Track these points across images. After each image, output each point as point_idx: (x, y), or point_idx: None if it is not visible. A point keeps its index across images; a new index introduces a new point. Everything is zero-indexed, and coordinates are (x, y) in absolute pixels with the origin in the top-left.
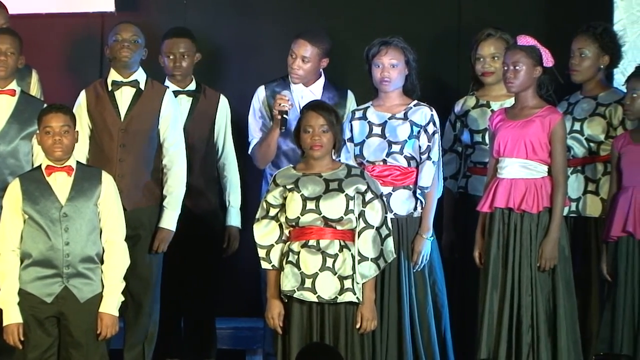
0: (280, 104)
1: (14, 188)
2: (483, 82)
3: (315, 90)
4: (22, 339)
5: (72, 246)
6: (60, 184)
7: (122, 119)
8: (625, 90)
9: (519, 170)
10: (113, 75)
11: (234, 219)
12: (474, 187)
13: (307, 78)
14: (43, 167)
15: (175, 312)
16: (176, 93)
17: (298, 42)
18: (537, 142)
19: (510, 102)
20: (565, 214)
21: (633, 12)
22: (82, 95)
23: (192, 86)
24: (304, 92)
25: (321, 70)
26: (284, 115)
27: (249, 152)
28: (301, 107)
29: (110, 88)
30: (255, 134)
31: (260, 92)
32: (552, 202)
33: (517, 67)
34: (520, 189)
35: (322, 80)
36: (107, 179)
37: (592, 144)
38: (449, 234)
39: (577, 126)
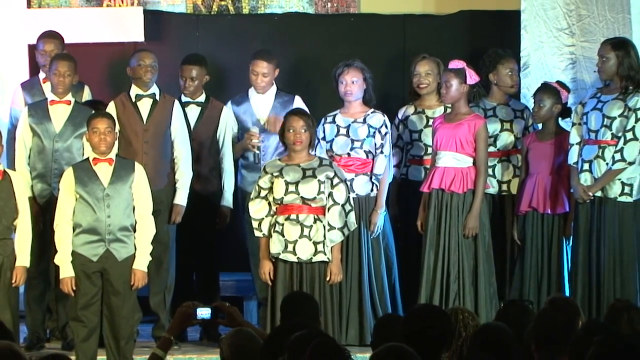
0: (252, 141)
1: (69, 174)
2: (419, 92)
3: (269, 97)
4: (74, 288)
5: (112, 219)
6: (104, 171)
7: (144, 122)
8: (523, 102)
9: (450, 160)
10: (135, 90)
11: (226, 200)
12: (412, 174)
13: (268, 88)
14: (90, 159)
15: (189, 269)
16: (188, 103)
17: (256, 62)
18: (465, 140)
19: (439, 110)
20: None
21: (535, 42)
22: (112, 105)
23: (202, 98)
24: (259, 99)
25: (273, 80)
26: (256, 151)
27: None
28: (259, 112)
29: (134, 100)
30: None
31: (229, 107)
32: (475, 185)
33: (448, 85)
34: (450, 174)
35: (274, 88)
36: (139, 168)
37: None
38: (393, 209)
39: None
